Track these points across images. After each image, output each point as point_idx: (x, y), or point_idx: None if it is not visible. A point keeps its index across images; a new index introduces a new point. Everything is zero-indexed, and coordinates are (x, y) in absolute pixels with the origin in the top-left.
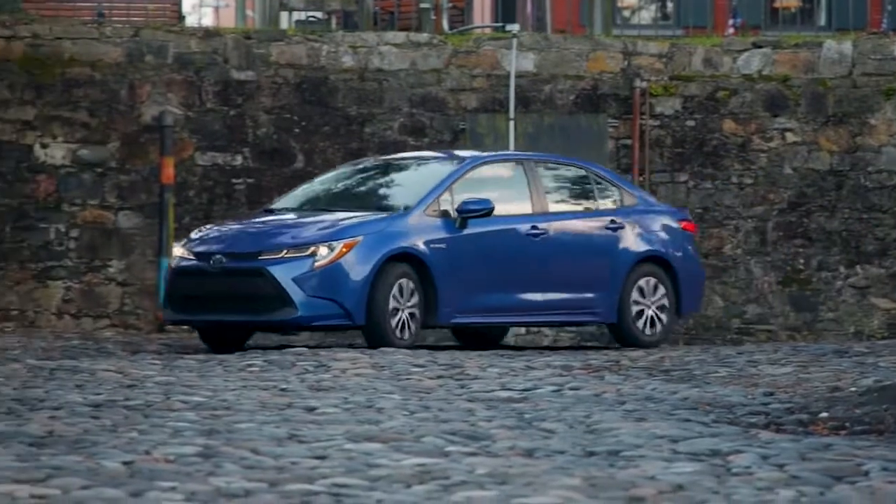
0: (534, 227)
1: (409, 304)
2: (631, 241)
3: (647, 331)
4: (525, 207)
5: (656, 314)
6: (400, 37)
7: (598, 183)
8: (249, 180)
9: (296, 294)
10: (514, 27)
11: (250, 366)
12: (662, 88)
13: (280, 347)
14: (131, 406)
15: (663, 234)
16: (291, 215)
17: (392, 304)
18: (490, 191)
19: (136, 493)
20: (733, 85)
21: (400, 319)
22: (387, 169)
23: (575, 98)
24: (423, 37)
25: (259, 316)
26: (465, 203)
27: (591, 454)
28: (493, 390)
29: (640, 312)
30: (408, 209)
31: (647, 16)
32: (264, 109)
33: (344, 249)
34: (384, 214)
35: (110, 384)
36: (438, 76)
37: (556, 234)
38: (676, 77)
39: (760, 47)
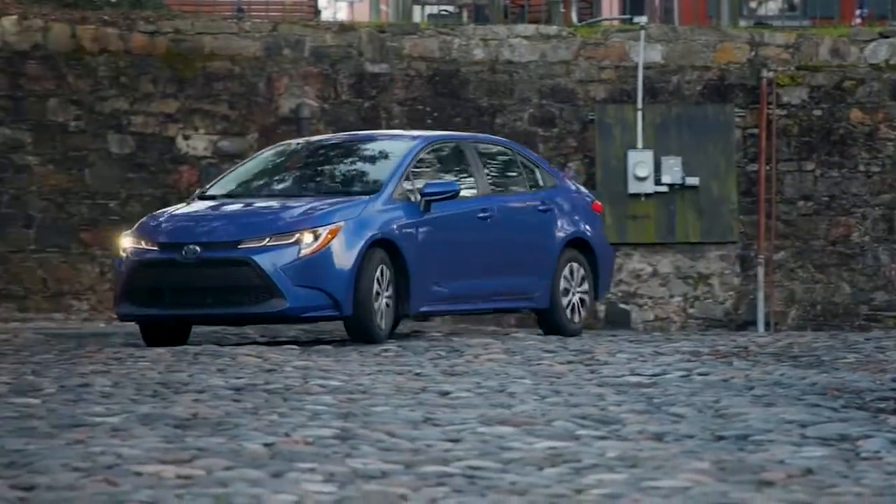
0: (483, 211)
1: (387, 292)
2: (558, 223)
3: (575, 318)
4: (471, 190)
5: (580, 299)
6: (530, 29)
7: (525, 164)
8: None
9: (283, 284)
10: (642, 19)
11: (385, 351)
12: (789, 78)
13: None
14: (271, 390)
15: (582, 216)
16: (238, 202)
17: (375, 292)
18: (439, 173)
19: (276, 473)
20: (860, 74)
21: (380, 309)
22: (325, 151)
23: (702, 88)
24: (553, 29)
25: (243, 308)
26: (429, 185)
27: (721, 438)
28: (622, 375)
29: (567, 298)
30: (376, 192)
31: (773, 6)
32: (397, 101)
33: (329, 236)
34: (356, 199)
35: (251, 368)
36: (567, 68)
37: (500, 218)
38: (803, 67)
39: (887, 37)
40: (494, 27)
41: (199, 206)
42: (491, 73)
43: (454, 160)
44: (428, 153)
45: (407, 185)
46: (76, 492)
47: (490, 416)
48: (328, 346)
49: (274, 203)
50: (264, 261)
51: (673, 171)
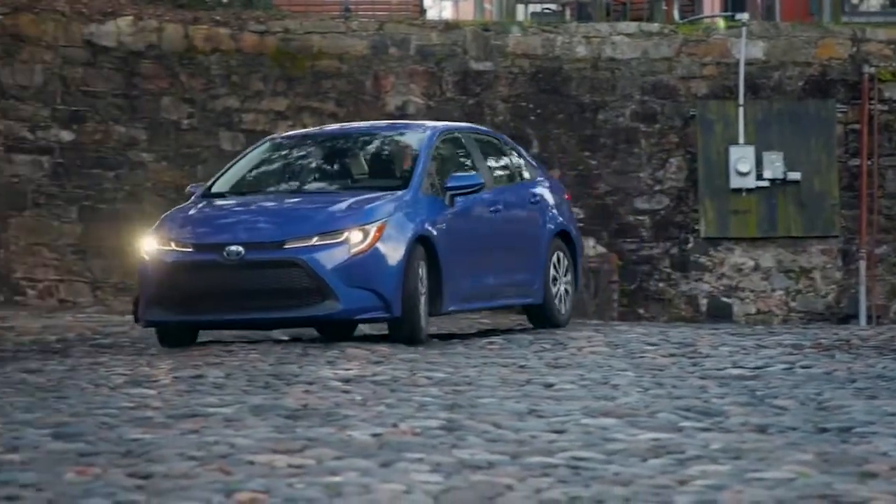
0: (493, 204)
1: (423, 291)
2: (547, 216)
3: (562, 309)
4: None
5: (565, 290)
6: (632, 27)
7: (512, 154)
8: None
9: (336, 285)
10: (744, 16)
11: (490, 344)
12: (891, 74)
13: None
14: (379, 381)
15: (562, 208)
16: (259, 199)
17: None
18: (449, 165)
19: (385, 463)
20: None
21: (422, 309)
22: (332, 145)
23: (803, 84)
24: (655, 26)
25: (294, 312)
26: (453, 179)
27: (823, 430)
28: (724, 368)
29: (556, 289)
30: (405, 187)
31: (875, 3)
32: (501, 98)
33: (377, 234)
34: (389, 194)
35: (359, 360)
36: (669, 64)
37: (505, 211)
38: None
39: None
40: (597, 25)
41: (222, 203)
42: (593, 70)
43: (458, 152)
44: (439, 144)
45: (429, 180)
46: (191, 480)
47: (593, 407)
48: (434, 340)
49: (309, 200)
50: (315, 261)
51: (774, 166)
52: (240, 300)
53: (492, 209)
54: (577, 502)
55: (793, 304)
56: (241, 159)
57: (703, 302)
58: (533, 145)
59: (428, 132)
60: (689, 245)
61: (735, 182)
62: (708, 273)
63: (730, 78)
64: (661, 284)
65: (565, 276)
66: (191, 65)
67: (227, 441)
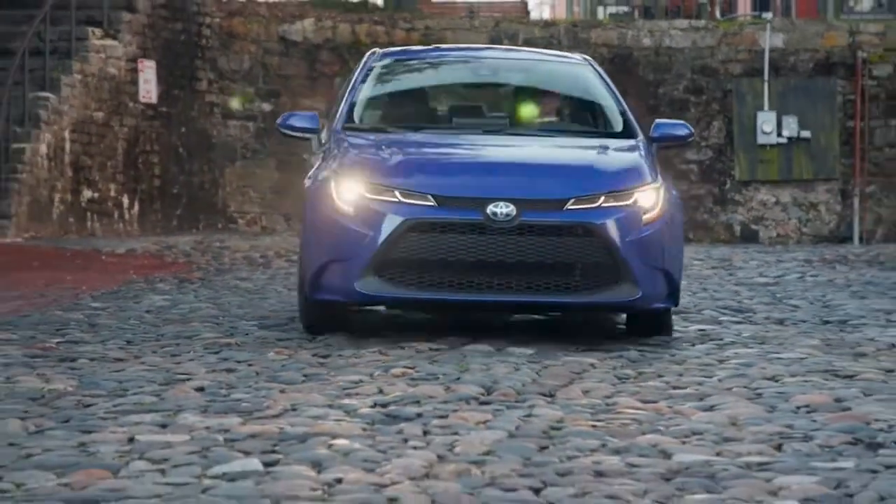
0: None
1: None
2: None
3: None
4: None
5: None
6: (684, 23)
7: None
8: None
9: (635, 264)
10: (768, 14)
11: None
12: (878, 57)
13: None
14: None
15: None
16: (444, 136)
17: None
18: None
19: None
20: None
21: None
22: (495, 70)
23: (813, 66)
24: (701, 23)
25: (582, 296)
26: (659, 126)
27: (826, 322)
28: (752, 277)
29: None
30: (631, 135)
31: (867, 4)
32: None
33: (665, 198)
34: (628, 143)
35: None
36: (712, 51)
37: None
38: (889, 49)
39: None
40: (658, 21)
41: (414, 138)
42: (655, 56)
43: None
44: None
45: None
46: (358, 360)
47: None
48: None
49: (528, 143)
50: (611, 230)
51: (791, 126)
52: (507, 276)
53: None
54: (643, 376)
55: (804, 229)
56: (358, 84)
57: (737, 228)
58: None
59: (584, 65)
60: (727, 186)
61: (761, 139)
62: (741, 207)
63: (758, 61)
64: (705, 216)
65: None
66: (357, 53)
67: (384, 333)
